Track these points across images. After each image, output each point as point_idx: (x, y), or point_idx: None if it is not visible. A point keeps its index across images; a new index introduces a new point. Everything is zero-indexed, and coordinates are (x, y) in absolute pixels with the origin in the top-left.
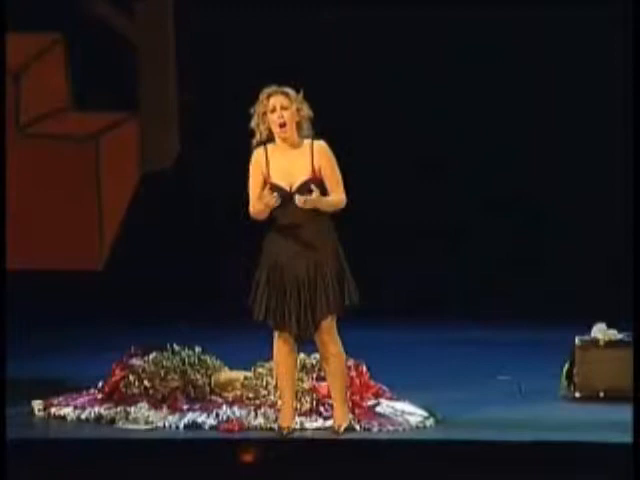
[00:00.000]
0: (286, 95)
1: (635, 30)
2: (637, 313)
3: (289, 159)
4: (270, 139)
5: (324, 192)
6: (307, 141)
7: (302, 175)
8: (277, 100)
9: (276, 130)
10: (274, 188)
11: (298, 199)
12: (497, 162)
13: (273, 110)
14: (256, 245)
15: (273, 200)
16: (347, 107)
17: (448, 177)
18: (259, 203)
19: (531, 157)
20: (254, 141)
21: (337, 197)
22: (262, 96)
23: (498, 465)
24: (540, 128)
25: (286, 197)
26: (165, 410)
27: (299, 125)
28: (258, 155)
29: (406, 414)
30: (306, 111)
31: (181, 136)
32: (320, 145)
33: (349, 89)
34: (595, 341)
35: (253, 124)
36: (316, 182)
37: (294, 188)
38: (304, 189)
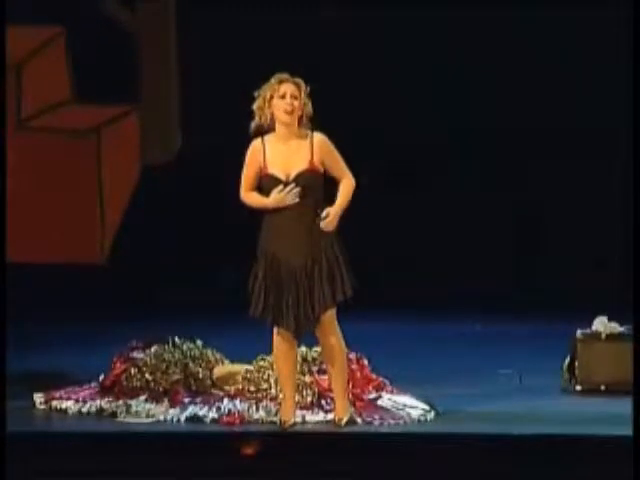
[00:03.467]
0: (297, 86)
1: (635, 30)
2: (637, 306)
3: (287, 150)
4: (271, 125)
5: (321, 184)
6: (307, 133)
7: (299, 166)
8: (289, 87)
9: (281, 116)
10: (270, 178)
11: (325, 225)
12: (501, 160)
13: (283, 96)
14: (256, 238)
15: (289, 198)
16: (347, 106)
17: (449, 175)
18: (250, 195)
19: (534, 155)
20: (253, 124)
21: (346, 188)
22: (273, 81)
23: (499, 458)
24: (541, 127)
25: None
26: (166, 403)
27: (300, 119)
28: (255, 146)
29: (407, 407)
30: (309, 107)
31: (183, 130)
32: (320, 137)
33: (350, 88)
34: (596, 334)
35: (256, 106)
36: (313, 173)
37: (290, 178)
38: (300, 179)
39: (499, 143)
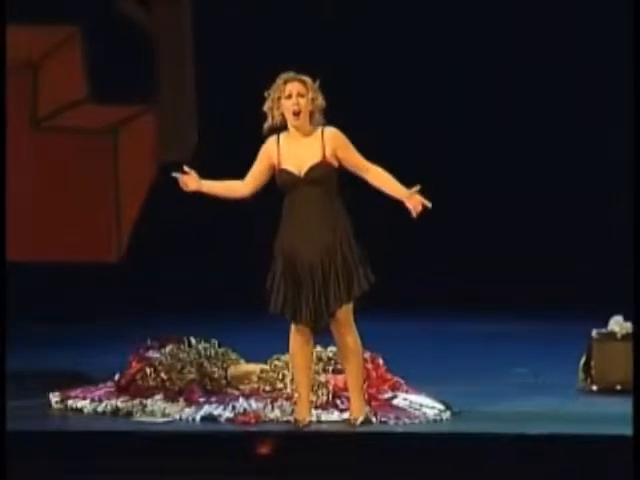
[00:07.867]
0: (303, 83)
1: (635, 29)
2: (638, 305)
3: (300, 146)
4: (283, 124)
5: (335, 178)
6: (318, 128)
7: (312, 160)
8: (294, 87)
9: (289, 117)
10: (284, 173)
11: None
12: (504, 159)
13: (289, 96)
14: (273, 235)
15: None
16: (354, 103)
17: (457, 173)
18: (246, 185)
19: (540, 154)
20: (266, 125)
21: (383, 175)
22: (279, 81)
23: (514, 458)
24: (542, 125)
25: (297, 183)
26: (182, 403)
27: (312, 114)
28: (270, 144)
29: (423, 407)
30: (320, 101)
31: (199, 128)
32: (331, 131)
33: (362, 84)
34: (612, 334)
35: (266, 108)
36: (325, 167)
37: (303, 172)
38: (312, 173)
39: (502, 142)
